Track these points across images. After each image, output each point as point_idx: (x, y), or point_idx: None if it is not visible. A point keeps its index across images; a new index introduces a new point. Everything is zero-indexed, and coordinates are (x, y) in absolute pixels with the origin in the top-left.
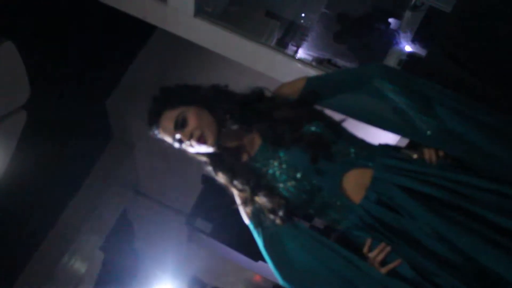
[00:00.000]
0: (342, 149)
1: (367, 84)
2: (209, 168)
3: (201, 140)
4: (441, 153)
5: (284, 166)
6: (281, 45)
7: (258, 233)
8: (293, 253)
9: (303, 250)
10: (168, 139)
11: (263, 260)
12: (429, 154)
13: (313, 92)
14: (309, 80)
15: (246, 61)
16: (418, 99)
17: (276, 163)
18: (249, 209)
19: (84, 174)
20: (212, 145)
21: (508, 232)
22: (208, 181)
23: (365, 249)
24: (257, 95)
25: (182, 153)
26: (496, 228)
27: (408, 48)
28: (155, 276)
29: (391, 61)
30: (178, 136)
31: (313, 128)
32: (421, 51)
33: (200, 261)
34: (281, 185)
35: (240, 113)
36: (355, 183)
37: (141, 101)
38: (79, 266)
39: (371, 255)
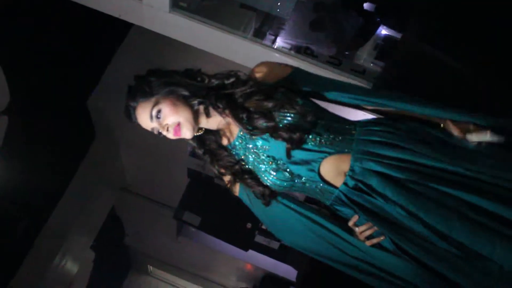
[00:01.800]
0: (319, 137)
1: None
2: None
3: (178, 132)
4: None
5: (262, 155)
6: (259, 36)
7: (250, 204)
8: (285, 223)
9: (291, 223)
10: (146, 128)
11: (254, 249)
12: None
13: (294, 83)
14: (297, 69)
15: (224, 54)
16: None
17: (254, 152)
18: (235, 188)
19: (70, 175)
20: (190, 136)
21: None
22: (194, 174)
23: (351, 223)
24: (233, 80)
25: (167, 147)
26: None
27: (383, 31)
28: (146, 269)
29: (368, 46)
30: (155, 127)
31: (288, 119)
32: (397, 35)
33: (190, 253)
34: (262, 174)
35: (216, 99)
36: (334, 169)
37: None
38: (70, 266)
39: (359, 229)
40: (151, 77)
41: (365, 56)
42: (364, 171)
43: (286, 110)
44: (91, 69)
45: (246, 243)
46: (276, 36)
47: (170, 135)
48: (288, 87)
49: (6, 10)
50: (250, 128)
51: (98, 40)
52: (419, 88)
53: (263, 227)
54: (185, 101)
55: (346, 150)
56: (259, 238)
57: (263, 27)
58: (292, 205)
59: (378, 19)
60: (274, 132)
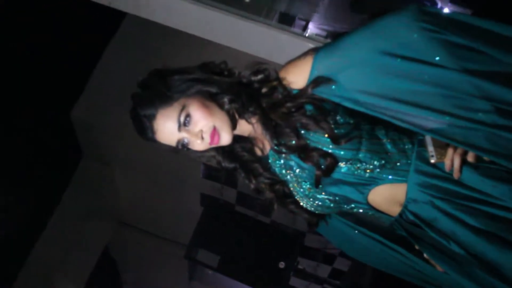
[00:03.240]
0: (361, 165)
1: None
2: (221, 164)
3: (215, 138)
4: (470, 158)
5: (298, 178)
6: (286, 22)
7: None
8: (345, 237)
9: (350, 237)
10: (170, 144)
11: None
12: (450, 162)
13: (324, 79)
14: (318, 53)
15: (242, 46)
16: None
17: (289, 173)
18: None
19: (52, 206)
20: (229, 141)
21: None
22: (210, 201)
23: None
24: (261, 78)
25: (174, 167)
26: None
27: (446, 10)
28: None
29: None
30: (184, 137)
31: (320, 145)
32: (465, 12)
33: None
34: (301, 199)
35: (248, 98)
36: (386, 199)
37: (112, 108)
38: None
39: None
40: (164, 77)
41: None
42: (426, 206)
43: (312, 131)
44: (75, 72)
45: (271, 286)
46: (307, 21)
47: (204, 145)
48: (309, 96)
49: None
50: (276, 143)
51: (83, 37)
52: None
53: (300, 266)
54: (215, 100)
55: (400, 179)
56: (295, 282)
57: (291, 10)
58: (352, 224)
59: None
60: (302, 153)
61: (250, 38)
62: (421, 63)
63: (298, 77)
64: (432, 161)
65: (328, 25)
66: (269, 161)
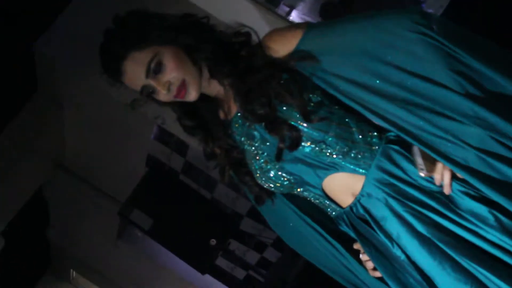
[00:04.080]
0: (326, 148)
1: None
2: (180, 122)
3: (182, 91)
4: (460, 176)
5: (258, 150)
6: (273, 2)
7: (246, 190)
8: (286, 222)
9: (291, 223)
10: (134, 88)
11: (212, 274)
12: (440, 176)
13: (310, 55)
14: (309, 31)
15: (223, 16)
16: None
17: (249, 143)
18: (228, 172)
19: None
20: (195, 97)
21: None
22: (156, 163)
23: (356, 246)
24: (242, 40)
25: (127, 121)
26: None
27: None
28: (68, 275)
29: None
30: (150, 84)
31: (292, 119)
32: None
33: (129, 263)
34: (255, 171)
35: (225, 58)
36: (341, 187)
37: (78, 49)
38: None
39: (363, 257)
40: (143, 19)
41: None
42: (378, 203)
43: (285, 102)
44: (47, 4)
45: (204, 264)
46: (291, 8)
47: (169, 96)
48: (292, 67)
49: None
50: (245, 108)
51: None
52: None
53: (230, 248)
54: (189, 54)
55: (360, 170)
56: (222, 262)
57: None
58: (297, 210)
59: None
60: (270, 123)
61: (235, 11)
62: (405, 72)
63: (282, 47)
64: (422, 174)
65: (311, 16)
66: (231, 126)
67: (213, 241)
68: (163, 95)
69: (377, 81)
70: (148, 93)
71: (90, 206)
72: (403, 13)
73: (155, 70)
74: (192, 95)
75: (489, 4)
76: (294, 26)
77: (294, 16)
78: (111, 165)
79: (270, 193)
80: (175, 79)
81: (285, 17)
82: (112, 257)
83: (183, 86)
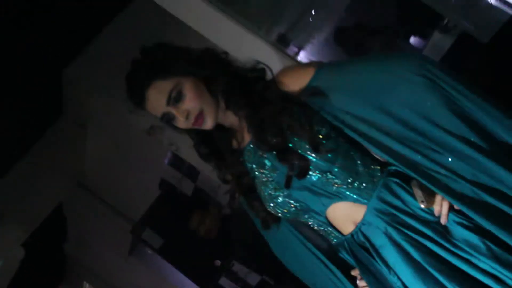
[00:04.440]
0: (331, 179)
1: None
2: (197, 149)
3: (200, 120)
4: (457, 207)
5: (268, 178)
6: (283, 43)
7: (251, 215)
8: (288, 247)
9: (293, 249)
10: (155, 114)
11: None
12: (440, 208)
13: (321, 91)
14: (321, 69)
15: (237, 53)
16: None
17: (260, 171)
18: (237, 197)
19: (21, 150)
20: (210, 126)
21: None
22: (168, 187)
23: (353, 273)
24: (257, 76)
25: (144, 147)
26: None
27: None
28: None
29: None
30: (171, 112)
31: (301, 149)
32: None
33: (138, 278)
34: (264, 198)
35: (240, 91)
36: (344, 215)
37: (104, 78)
38: None
39: (360, 283)
40: (167, 52)
41: None
42: (378, 232)
43: (296, 133)
44: (78, 32)
45: (207, 283)
46: (300, 49)
47: (187, 124)
48: (303, 102)
49: None
50: (258, 138)
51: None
52: None
53: (233, 269)
54: (207, 85)
55: (362, 200)
56: (225, 282)
57: (289, 34)
58: (299, 236)
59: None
60: (281, 152)
61: (247, 48)
62: (407, 111)
63: (295, 83)
64: (422, 206)
65: (316, 57)
66: (244, 155)
67: (217, 262)
68: (182, 122)
69: (381, 118)
70: (168, 120)
71: (105, 224)
72: (408, 57)
73: (175, 98)
74: (208, 124)
75: (484, 55)
76: (307, 64)
77: (302, 57)
78: (127, 186)
79: (276, 219)
80: (194, 108)
81: (293, 57)
82: (123, 272)
83: (200, 115)
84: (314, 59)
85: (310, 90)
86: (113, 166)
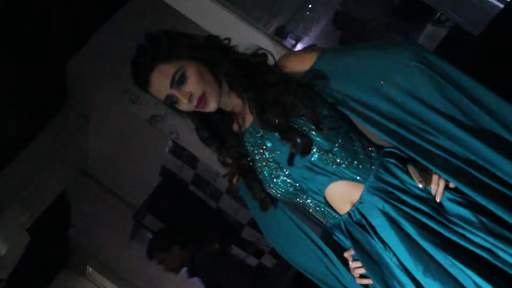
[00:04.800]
0: (332, 157)
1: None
2: (197, 132)
3: (202, 102)
4: (451, 185)
5: (269, 158)
6: (280, 35)
7: (247, 200)
8: (283, 231)
9: (288, 233)
10: (159, 97)
11: None
12: (437, 187)
13: (324, 74)
14: (324, 54)
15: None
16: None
17: (261, 152)
18: (235, 178)
19: (26, 139)
20: (213, 109)
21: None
22: (168, 174)
23: (346, 254)
24: (258, 60)
25: (145, 136)
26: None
27: None
28: (85, 270)
29: None
30: (174, 94)
31: (304, 128)
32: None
33: (139, 262)
34: (264, 178)
35: (243, 75)
36: (341, 194)
37: (107, 69)
38: None
39: (352, 264)
40: (172, 37)
41: None
42: (375, 210)
43: (298, 112)
44: (80, 27)
45: None
46: (297, 41)
47: (190, 106)
48: (305, 83)
49: None
50: (262, 118)
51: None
52: None
53: (233, 252)
54: (210, 69)
55: (360, 179)
56: None
57: (287, 27)
58: (294, 218)
59: None
60: (284, 131)
61: (245, 40)
62: (404, 94)
63: (297, 66)
64: (420, 185)
65: None
66: (245, 137)
67: (216, 246)
68: (185, 105)
69: (380, 102)
70: (171, 103)
71: (108, 210)
72: (406, 45)
73: (179, 81)
74: (211, 106)
75: (475, 48)
76: (309, 49)
77: (299, 49)
78: (128, 174)
79: (273, 200)
80: (197, 90)
81: (291, 49)
82: (125, 256)
83: (203, 97)
84: None
85: (313, 73)
86: (115, 154)
